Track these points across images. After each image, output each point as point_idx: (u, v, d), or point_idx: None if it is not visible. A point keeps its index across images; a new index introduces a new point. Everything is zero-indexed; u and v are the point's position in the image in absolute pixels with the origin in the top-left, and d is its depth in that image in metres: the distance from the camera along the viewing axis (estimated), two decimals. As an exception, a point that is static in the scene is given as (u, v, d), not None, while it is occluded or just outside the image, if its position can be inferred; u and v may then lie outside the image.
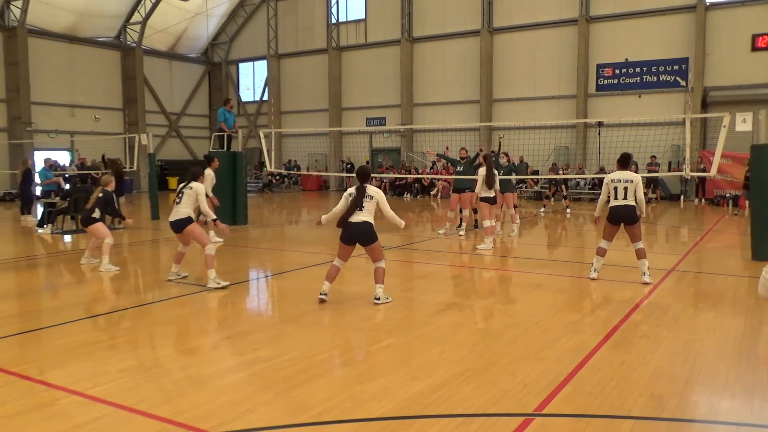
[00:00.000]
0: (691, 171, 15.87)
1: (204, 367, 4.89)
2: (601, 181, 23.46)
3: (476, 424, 3.80)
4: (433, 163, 28.00)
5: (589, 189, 24.63)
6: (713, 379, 4.62)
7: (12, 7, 27.15)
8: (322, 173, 30.62)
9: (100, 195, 9.72)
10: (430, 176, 26.79)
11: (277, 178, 31.55)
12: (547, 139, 24.21)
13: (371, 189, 6.96)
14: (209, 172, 11.69)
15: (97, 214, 9.60)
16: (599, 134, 23.52)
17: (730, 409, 4.15)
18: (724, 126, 10.24)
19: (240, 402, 4.15)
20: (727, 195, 20.83)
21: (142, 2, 31.19)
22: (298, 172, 30.31)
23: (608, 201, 8.09)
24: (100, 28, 31.00)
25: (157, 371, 4.86)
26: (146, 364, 5.04)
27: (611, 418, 3.90)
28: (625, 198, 7.89)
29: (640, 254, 7.98)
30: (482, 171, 11.53)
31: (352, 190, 6.98)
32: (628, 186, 7.87)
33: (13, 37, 27.09)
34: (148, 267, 10.21)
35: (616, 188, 7.93)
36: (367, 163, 30.24)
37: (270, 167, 17.89)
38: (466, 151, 13.81)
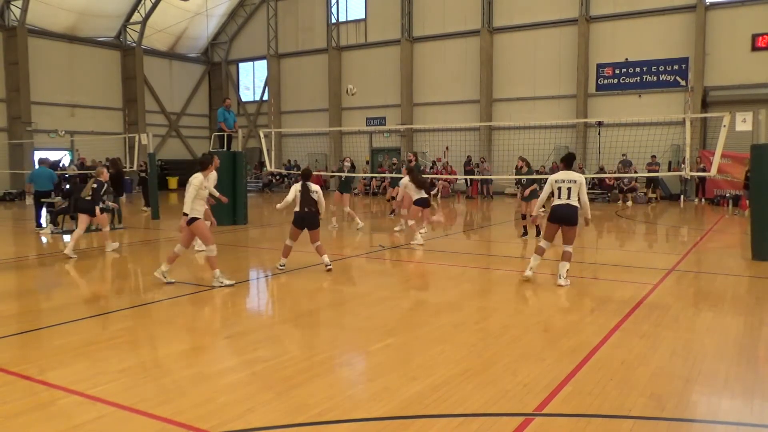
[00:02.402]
0: (691, 171, 15.86)
1: (204, 367, 4.89)
2: (601, 181, 23.71)
3: (476, 424, 3.80)
4: (433, 162, 28.00)
5: (588, 189, 24.59)
6: (713, 379, 4.61)
7: (12, 7, 27.15)
8: (322, 173, 30.59)
9: (95, 186, 10.74)
10: (430, 176, 26.76)
11: (277, 177, 31.55)
12: (547, 139, 24.20)
13: (313, 186, 8.84)
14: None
15: (99, 204, 10.75)
16: (599, 134, 23.54)
17: (730, 408, 4.16)
18: (724, 126, 10.24)
19: (240, 402, 4.15)
20: (727, 195, 20.83)
21: (142, 2, 31.19)
22: (298, 172, 30.27)
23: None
24: (100, 28, 31.00)
25: (157, 371, 4.86)
26: (146, 364, 5.04)
27: (611, 418, 3.90)
28: (568, 198, 7.77)
29: (566, 257, 7.87)
30: (407, 180, 12.24)
31: (298, 186, 8.88)
32: (571, 186, 7.75)
33: (13, 37, 27.09)
34: (148, 267, 10.20)
35: (560, 188, 7.81)
36: (367, 163, 30.28)
37: (270, 167, 17.89)
38: (415, 155, 14.62)
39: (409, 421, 3.86)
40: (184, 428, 3.76)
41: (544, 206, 9.25)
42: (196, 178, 7.87)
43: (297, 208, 8.93)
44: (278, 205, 9.17)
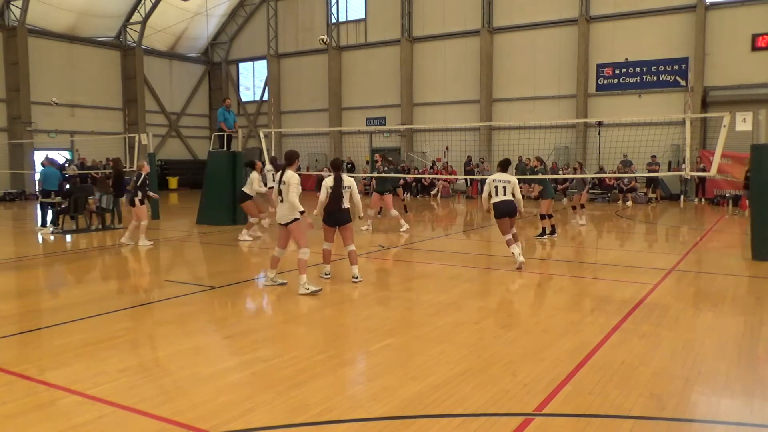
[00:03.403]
0: (691, 171, 15.86)
1: (204, 367, 4.89)
2: (601, 181, 23.69)
3: (476, 424, 3.80)
4: (433, 162, 28.01)
5: (589, 189, 24.60)
6: (713, 379, 4.61)
7: (12, 6, 27.16)
8: (322, 173, 30.60)
9: (135, 179, 11.77)
10: (430, 176, 26.78)
11: (277, 178, 31.52)
12: (547, 139, 24.20)
13: (347, 180, 8.13)
14: (255, 175, 12.73)
15: (140, 195, 11.70)
16: (599, 134, 23.53)
17: (730, 408, 4.15)
18: (724, 126, 10.24)
19: (240, 402, 4.15)
20: (727, 195, 20.83)
21: (142, 2, 31.19)
22: (298, 172, 30.28)
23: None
24: (100, 28, 31.00)
25: (157, 371, 4.86)
26: (146, 364, 5.04)
27: (611, 418, 3.90)
28: (504, 195, 9.28)
29: (515, 238, 9.35)
30: (256, 175, 12.66)
31: (329, 182, 8.09)
32: (506, 185, 9.28)
33: (13, 37, 27.09)
34: (148, 267, 10.21)
35: (496, 187, 9.33)
36: (367, 163, 30.28)
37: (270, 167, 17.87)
38: (382, 157, 15.06)
39: (409, 421, 3.86)
40: (184, 428, 3.76)
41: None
42: (295, 177, 7.49)
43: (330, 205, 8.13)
44: (314, 212, 8.34)
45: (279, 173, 7.66)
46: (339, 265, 9.40)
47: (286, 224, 7.59)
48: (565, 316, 6.47)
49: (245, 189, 12.59)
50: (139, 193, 11.76)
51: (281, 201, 7.58)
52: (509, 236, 9.30)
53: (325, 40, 16.10)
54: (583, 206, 15.47)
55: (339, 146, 31.52)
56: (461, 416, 3.92)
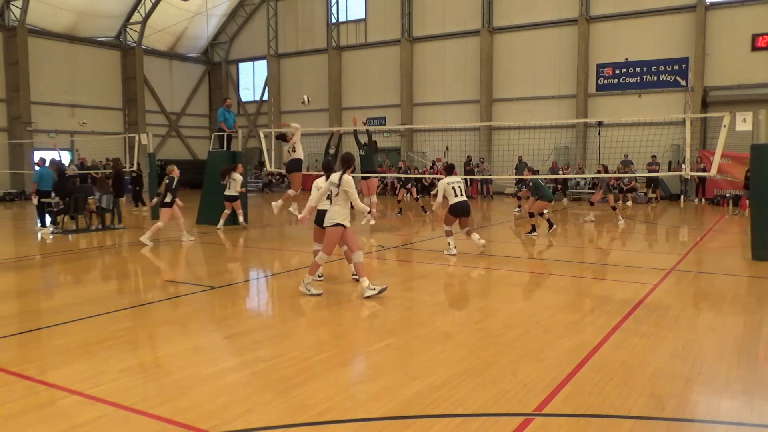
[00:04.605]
0: (691, 171, 15.86)
1: (204, 367, 4.88)
2: (600, 180, 23.64)
3: (476, 424, 3.80)
4: (433, 162, 28.00)
5: (589, 189, 24.61)
6: (713, 379, 4.61)
7: (12, 6, 27.17)
8: (322, 173, 30.55)
9: (167, 182, 12.06)
10: (430, 176, 26.76)
11: (277, 178, 31.54)
12: (547, 139, 24.21)
13: (345, 179, 7.23)
14: (239, 177, 14.38)
15: (168, 198, 11.99)
16: (599, 134, 23.53)
17: (730, 409, 4.15)
18: (724, 126, 10.23)
19: (240, 402, 4.15)
20: (727, 195, 20.83)
21: (142, 2, 31.20)
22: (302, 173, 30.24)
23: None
24: (100, 28, 31.01)
25: (157, 371, 4.86)
26: (146, 364, 5.04)
27: (611, 418, 3.90)
28: (462, 195, 10.11)
29: (470, 233, 10.44)
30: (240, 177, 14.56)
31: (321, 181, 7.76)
32: (461, 185, 10.16)
33: (13, 37, 27.10)
34: (148, 267, 10.21)
35: (454, 188, 10.02)
36: (365, 146, 30.09)
37: (270, 167, 17.89)
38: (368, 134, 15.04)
39: (409, 421, 3.85)
40: (184, 428, 3.76)
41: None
42: (352, 182, 7.09)
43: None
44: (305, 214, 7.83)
45: (337, 176, 7.14)
46: (339, 265, 9.40)
47: (326, 227, 7.23)
48: (565, 316, 6.47)
49: (232, 191, 14.22)
50: (169, 195, 12.03)
51: (330, 204, 7.25)
52: (468, 228, 10.39)
53: (305, 101, 16.30)
54: (592, 204, 16.72)
55: (339, 146, 31.47)
56: (461, 416, 3.92)
